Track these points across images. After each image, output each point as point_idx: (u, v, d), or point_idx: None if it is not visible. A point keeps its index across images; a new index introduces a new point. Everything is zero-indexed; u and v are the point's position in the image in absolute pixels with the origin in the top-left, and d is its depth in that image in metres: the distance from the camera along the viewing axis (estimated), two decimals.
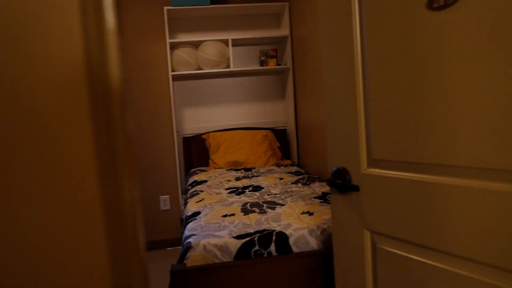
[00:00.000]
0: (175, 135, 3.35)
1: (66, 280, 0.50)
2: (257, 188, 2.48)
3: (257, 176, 2.88)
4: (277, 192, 2.34)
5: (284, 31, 3.51)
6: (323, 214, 1.81)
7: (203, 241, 1.60)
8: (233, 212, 1.96)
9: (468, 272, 0.87)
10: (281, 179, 2.72)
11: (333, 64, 1.19)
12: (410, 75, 0.95)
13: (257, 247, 1.60)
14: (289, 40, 3.41)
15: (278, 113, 3.75)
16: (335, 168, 1.21)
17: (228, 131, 3.45)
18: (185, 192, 3.02)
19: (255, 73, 3.67)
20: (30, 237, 0.48)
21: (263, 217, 1.85)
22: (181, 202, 3.37)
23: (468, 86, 0.83)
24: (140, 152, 3.51)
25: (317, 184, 2.52)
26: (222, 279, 1.54)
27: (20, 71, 0.44)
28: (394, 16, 0.98)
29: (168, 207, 3.59)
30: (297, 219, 1.77)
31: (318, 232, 1.65)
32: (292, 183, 2.58)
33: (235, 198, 2.28)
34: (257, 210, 1.98)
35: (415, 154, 0.97)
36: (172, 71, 3.35)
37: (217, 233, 1.68)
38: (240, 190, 2.47)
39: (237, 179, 2.81)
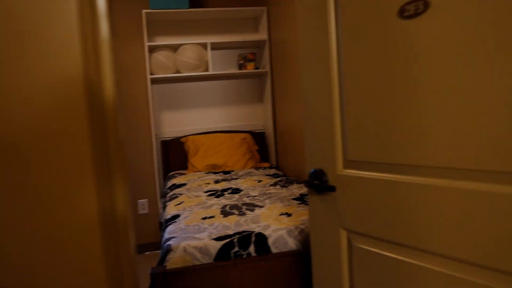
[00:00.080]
0: (153, 139, 3.34)
1: (62, 281, 0.51)
2: (236, 191, 2.51)
3: (236, 179, 2.90)
4: (256, 194, 2.37)
5: (262, 35, 3.55)
6: (301, 215, 1.85)
7: (183, 243, 1.62)
8: (213, 215, 1.98)
9: (438, 267, 0.92)
10: (259, 181, 2.75)
11: (310, 68, 1.23)
12: (383, 80, 1.00)
13: (236, 249, 1.62)
14: (267, 44, 3.46)
15: (257, 116, 3.79)
16: (312, 170, 1.24)
17: (207, 134, 3.46)
18: (163, 195, 3.01)
19: (233, 76, 3.70)
20: (27, 238, 0.49)
21: (242, 218, 1.88)
22: (160, 205, 3.35)
23: (437, 90, 0.88)
24: None
25: (295, 186, 2.56)
26: (202, 281, 1.55)
27: (21, 79, 0.45)
28: (368, 23, 1.02)
29: (146, 211, 3.57)
30: (275, 220, 1.81)
31: (296, 233, 1.69)
32: (271, 185, 2.62)
33: (214, 200, 2.29)
34: (236, 212, 2.00)
35: (388, 155, 1.01)
36: (151, 74, 3.34)
37: (197, 235, 1.69)
38: (219, 192, 2.49)
39: (216, 182, 2.83)
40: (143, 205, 3.55)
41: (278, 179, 2.79)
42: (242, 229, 1.73)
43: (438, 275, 0.92)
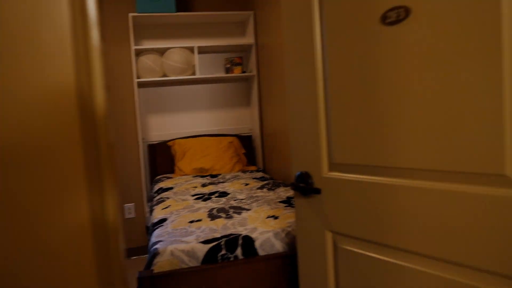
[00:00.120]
0: (140, 142, 3.33)
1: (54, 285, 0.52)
2: (223, 194, 2.51)
3: (223, 182, 2.90)
4: (243, 198, 2.38)
5: (249, 39, 3.58)
6: (287, 217, 1.87)
7: (170, 247, 1.62)
8: (200, 218, 1.99)
9: (420, 267, 0.95)
10: (246, 184, 2.76)
11: (296, 73, 1.25)
12: (366, 84, 1.02)
13: (223, 251, 1.63)
14: (254, 48, 3.48)
15: (244, 120, 3.80)
16: (298, 173, 1.26)
17: (194, 138, 3.46)
18: (150, 199, 3.00)
19: (220, 80, 3.71)
20: (18, 245, 0.50)
21: (229, 222, 1.89)
22: (147, 209, 3.34)
23: (418, 95, 0.90)
24: None
25: (282, 189, 2.58)
26: (189, 284, 1.56)
27: (13, 86, 0.46)
28: (352, 29, 1.05)
29: (133, 215, 3.55)
30: (262, 223, 1.82)
31: (283, 235, 1.71)
32: (258, 188, 2.63)
33: (201, 204, 2.30)
34: (223, 215, 2.01)
35: (372, 158, 1.03)
36: (137, 78, 3.33)
37: (184, 239, 1.69)
38: (206, 196, 2.49)
39: (203, 185, 2.83)
40: (129, 209, 3.53)
41: (265, 182, 2.81)
42: (229, 232, 1.73)
43: (420, 274, 0.95)
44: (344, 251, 1.16)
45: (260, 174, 3.14)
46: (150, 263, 1.59)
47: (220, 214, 2.03)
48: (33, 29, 0.43)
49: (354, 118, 1.07)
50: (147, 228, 2.92)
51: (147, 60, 3.29)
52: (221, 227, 1.81)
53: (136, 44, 3.44)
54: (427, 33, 0.87)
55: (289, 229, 1.73)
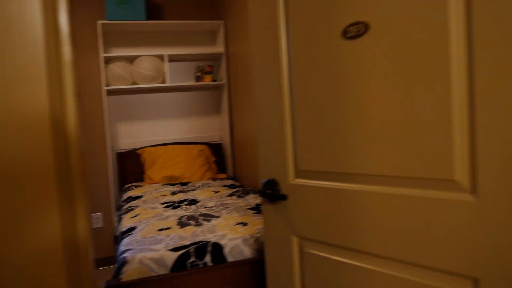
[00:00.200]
0: (109, 151, 3.29)
1: None
2: (193, 202, 2.52)
3: (193, 190, 2.91)
4: (212, 205, 2.39)
5: (219, 48, 3.61)
6: (256, 224, 1.90)
7: (139, 255, 1.61)
8: (169, 226, 1.99)
9: (380, 268, 1.00)
10: (216, 192, 2.78)
11: (263, 83, 1.29)
12: (329, 95, 1.07)
13: (193, 259, 1.64)
14: (224, 56, 3.52)
15: (214, 128, 3.82)
16: (265, 180, 1.30)
17: (164, 146, 3.45)
18: (119, 208, 2.97)
19: (191, 88, 3.72)
20: None
21: (198, 229, 1.90)
22: (115, 218, 3.29)
23: (376, 105, 0.96)
24: None
25: (251, 196, 2.61)
26: None
27: None
28: (316, 42, 1.10)
29: (101, 224, 3.48)
30: (231, 230, 1.84)
31: (252, 241, 1.74)
32: (228, 196, 2.65)
33: (171, 212, 2.29)
34: (193, 223, 2.02)
35: (335, 165, 1.08)
36: (106, 85, 3.30)
37: (153, 247, 1.69)
38: (176, 204, 2.49)
39: (173, 193, 2.83)
40: (97, 218, 3.47)
41: (235, 189, 2.83)
42: (198, 239, 1.75)
43: (381, 275, 1.00)
44: (309, 255, 1.20)
45: (230, 182, 3.16)
46: (118, 272, 1.58)
47: (189, 221, 2.04)
48: (7, 48, 0.44)
49: (318, 127, 1.12)
50: (116, 237, 2.88)
51: (117, 68, 3.27)
52: (190, 235, 1.82)
53: (105, 52, 3.41)
54: (385, 47, 0.93)
55: (258, 235, 1.76)
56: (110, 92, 3.46)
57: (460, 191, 0.83)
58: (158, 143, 3.62)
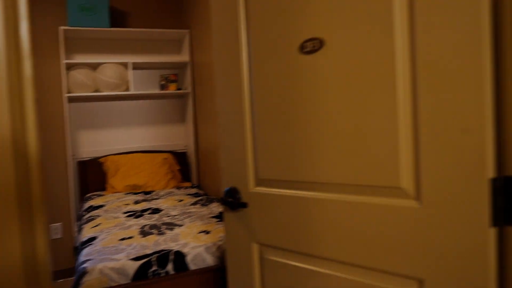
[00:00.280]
0: (69, 159, 3.21)
1: None
2: (156, 211, 2.51)
3: (156, 199, 2.89)
4: (176, 214, 2.39)
5: (184, 57, 3.62)
6: (219, 232, 1.92)
7: (100, 265, 1.60)
8: (131, 235, 1.97)
9: (335, 272, 1.05)
10: (180, 201, 2.78)
11: (225, 93, 1.32)
12: (288, 107, 1.12)
13: (154, 268, 1.64)
14: (189, 65, 3.53)
15: (179, 137, 3.81)
16: (227, 188, 1.33)
17: (128, 154, 3.41)
18: (79, 218, 2.90)
19: (155, 96, 3.71)
20: None
21: (161, 238, 1.90)
22: (75, 229, 3.21)
23: (331, 116, 1.01)
24: None
25: (215, 204, 2.62)
26: None
27: None
28: (276, 55, 1.15)
29: (60, 235, 3.38)
30: (194, 238, 1.85)
31: (214, 249, 1.75)
32: (191, 204, 2.65)
33: (133, 221, 2.27)
34: (155, 231, 2.01)
35: (292, 173, 1.13)
36: (68, 92, 3.23)
37: (114, 256, 1.68)
38: (139, 213, 2.47)
39: (136, 202, 2.80)
40: (56, 229, 3.37)
41: (199, 198, 2.84)
42: (160, 248, 1.75)
43: (336, 279, 1.04)
44: (269, 262, 1.23)
45: (194, 190, 3.16)
46: (77, 283, 1.56)
47: (152, 230, 2.03)
48: None
49: (277, 137, 1.16)
50: (75, 248, 2.81)
51: (79, 75, 3.21)
52: (152, 244, 1.82)
53: (67, 58, 3.34)
54: (338, 62, 0.99)
55: (220, 243, 1.78)
56: (72, 99, 3.39)
57: (406, 198, 0.89)
58: (122, 152, 3.57)
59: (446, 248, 0.84)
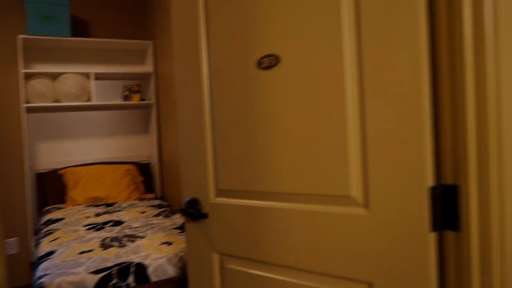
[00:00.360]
0: (26, 171, 3.12)
1: None
2: (117, 223, 2.47)
3: (118, 211, 2.85)
4: (138, 226, 2.37)
5: (148, 67, 3.62)
6: (181, 243, 1.92)
7: (58, 280, 1.57)
8: (91, 248, 1.94)
9: (290, 278, 1.09)
10: (143, 212, 2.75)
11: (186, 105, 1.35)
12: (246, 119, 1.16)
13: (115, 280, 1.62)
14: (153, 76, 3.52)
15: (142, 147, 3.78)
16: (188, 199, 1.35)
17: (89, 166, 3.34)
18: (37, 232, 2.81)
19: (118, 107, 3.67)
20: None
21: (122, 250, 1.88)
22: (32, 244, 3.10)
23: (285, 130, 1.06)
24: None
25: (178, 215, 2.62)
26: None
27: None
28: (235, 69, 1.19)
29: (16, 251, 3.26)
30: (156, 250, 1.85)
31: (176, 260, 1.76)
32: (154, 216, 2.64)
33: (94, 234, 2.24)
34: (116, 244, 1.99)
35: (251, 184, 1.17)
36: (26, 102, 3.15)
37: (73, 270, 1.65)
38: (100, 225, 2.43)
39: (97, 215, 2.75)
40: (11, 244, 3.24)
41: (162, 209, 2.82)
42: (121, 260, 1.73)
43: (291, 285, 1.08)
44: (229, 271, 1.26)
45: (157, 202, 3.14)
46: None
47: (113, 243, 2.01)
48: None
49: (237, 148, 1.20)
50: (32, 263, 2.72)
51: (38, 84, 3.13)
52: (113, 256, 1.80)
53: (26, 68, 3.26)
54: (294, 77, 1.04)
55: (182, 253, 1.79)
56: (30, 110, 3.30)
57: (355, 206, 0.95)
58: (83, 163, 3.50)
59: (391, 252, 0.90)
